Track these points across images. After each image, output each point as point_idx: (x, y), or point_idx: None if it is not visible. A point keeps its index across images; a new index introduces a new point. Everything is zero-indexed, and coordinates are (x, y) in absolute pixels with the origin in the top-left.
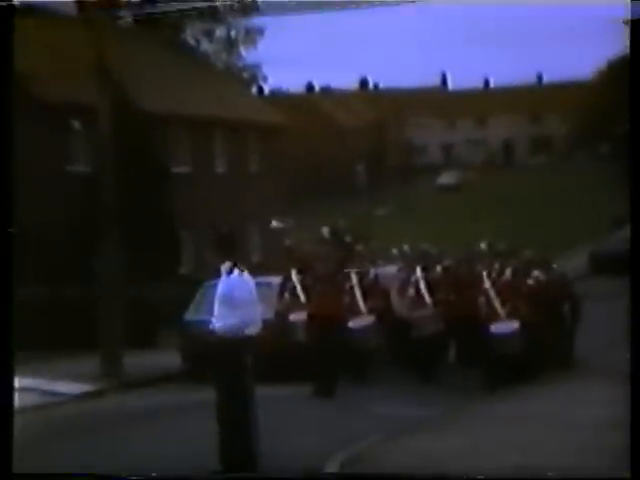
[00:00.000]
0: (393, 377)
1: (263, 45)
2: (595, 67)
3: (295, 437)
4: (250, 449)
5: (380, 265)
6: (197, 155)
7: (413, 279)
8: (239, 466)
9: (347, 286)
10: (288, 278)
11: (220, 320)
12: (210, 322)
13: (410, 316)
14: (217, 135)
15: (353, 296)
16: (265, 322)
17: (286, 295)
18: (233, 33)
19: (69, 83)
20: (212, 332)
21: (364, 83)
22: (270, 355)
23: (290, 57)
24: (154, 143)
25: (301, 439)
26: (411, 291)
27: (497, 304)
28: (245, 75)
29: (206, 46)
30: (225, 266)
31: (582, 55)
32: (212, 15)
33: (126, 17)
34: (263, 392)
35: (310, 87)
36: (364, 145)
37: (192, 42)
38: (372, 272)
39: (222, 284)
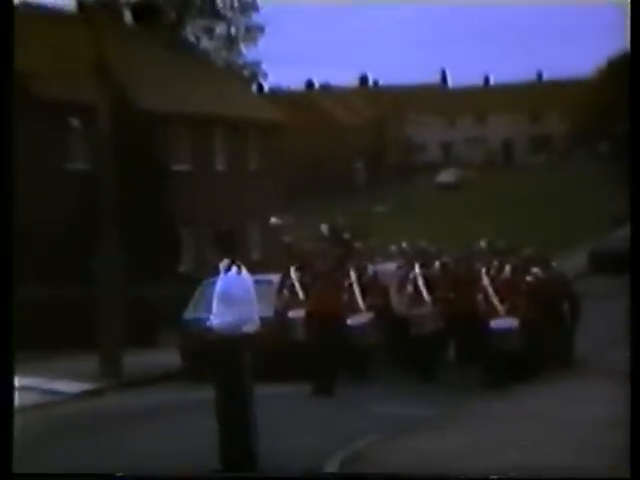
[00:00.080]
0: (392, 375)
1: (263, 42)
2: (595, 65)
3: (294, 436)
4: (249, 448)
5: (379, 262)
6: (197, 153)
7: (412, 276)
8: (238, 465)
9: (346, 283)
10: (287, 275)
11: (217, 318)
12: (208, 320)
13: (409, 313)
14: (217, 133)
15: (352, 293)
16: (264, 320)
17: (285, 292)
18: (233, 30)
19: (69, 81)
20: (210, 330)
21: (364, 80)
22: (269, 353)
23: (290, 54)
24: (154, 141)
25: (300, 438)
26: (410, 288)
27: (496, 302)
28: (245, 73)
29: (206, 44)
30: (223, 264)
31: (582, 53)
32: (212, 12)
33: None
34: (262, 390)
35: (310, 84)
36: (363, 143)
37: (192, 40)
38: (371, 269)
39: (220, 282)
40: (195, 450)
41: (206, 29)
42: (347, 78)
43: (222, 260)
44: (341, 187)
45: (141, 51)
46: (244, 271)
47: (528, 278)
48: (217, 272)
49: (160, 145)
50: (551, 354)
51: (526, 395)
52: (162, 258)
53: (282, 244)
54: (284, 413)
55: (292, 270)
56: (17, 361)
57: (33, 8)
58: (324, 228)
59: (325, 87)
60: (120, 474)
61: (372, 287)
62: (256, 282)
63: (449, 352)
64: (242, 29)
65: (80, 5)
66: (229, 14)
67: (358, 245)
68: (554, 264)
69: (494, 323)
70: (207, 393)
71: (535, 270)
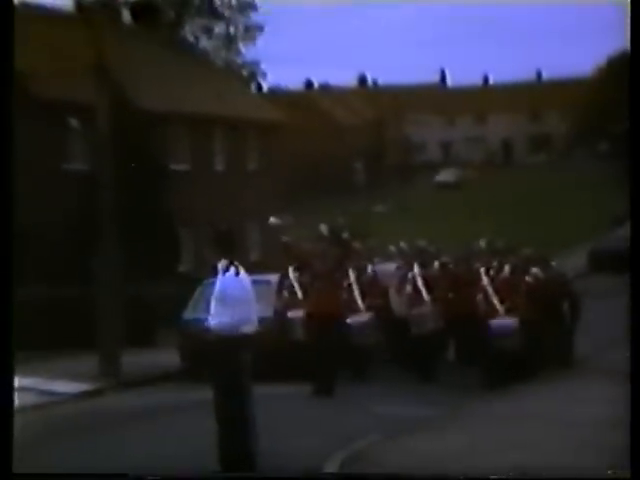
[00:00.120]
0: (392, 375)
1: (262, 42)
2: (595, 65)
3: (294, 436)
4: (248, 448)
5: (378, 262)
6: (196, 153)
7: (411, 276)
8: (237, 465)
9: (345, 283)
10: (286, 275)
11: (215, 318)
12: (207, 320)
13: (409, 313)
14: (216, 133)
15: (351, 293)
16: (263, 320)
17: (284, 293)
18: (232, 30)
19: (67, 81)
20: (208, 330)
21: (363, 80)
22: (268, 353)
23: (289, 54)
24: (153, 141)
25: (300, 438)
26: (409, 288)
27: (496, 301)
28: (244, 72)
29: (205, 43)
30: (222, 264)
31: (582, 52)
32: (211, 12)
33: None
34: (262, 391)
35: (309, 84)
36: (363, 142)
37: (191, 39)
38: (370, 269)
39: (218, 282)
40: (194, 450)
41: (205, 29)
42: (346, 78)
43: (221, 260)
44: (340, 187)
45: (140, 51)
46: (242, 271)
47: (528, 278)
48: (216, 272)
49: (159, 145)
50: (551, 354)
51: (526, 395)
52: (161, 258)
53: (281, 244)
54: (284, 413)
55: (291, 270)
56: (16, 361)
57: (32, 8)
58: (323, 228)
59: (324, 87)
60: (120, 474)
61: (371, 287)
62: (255, 282)
63: (449, 352)
64: (241, 29)
65: (79, 5)
66: (228, 13)
67: (357, 245)
68: (554, 264)
69: (494, 323)
70: (206, 393)
71: (535, 270)
